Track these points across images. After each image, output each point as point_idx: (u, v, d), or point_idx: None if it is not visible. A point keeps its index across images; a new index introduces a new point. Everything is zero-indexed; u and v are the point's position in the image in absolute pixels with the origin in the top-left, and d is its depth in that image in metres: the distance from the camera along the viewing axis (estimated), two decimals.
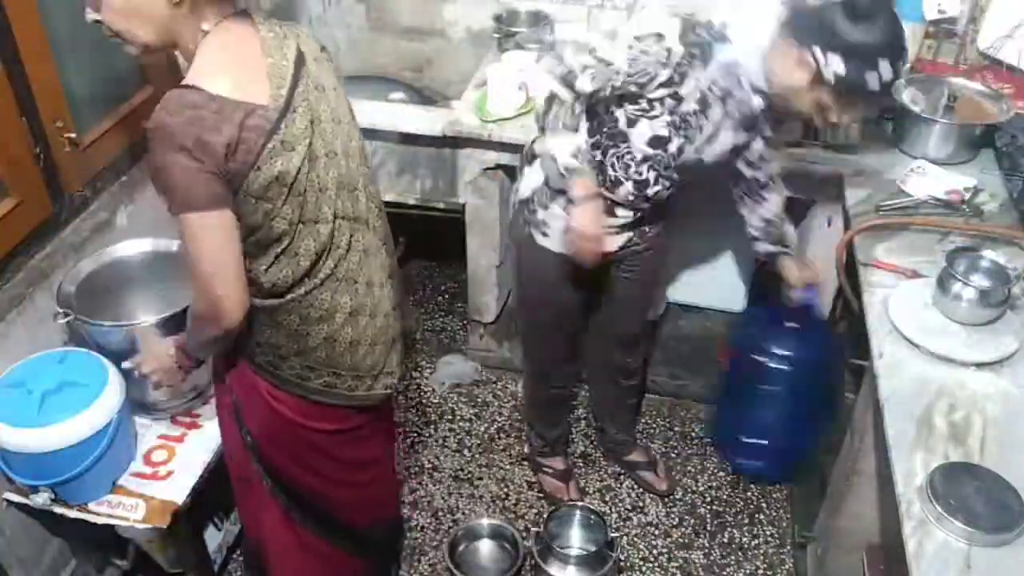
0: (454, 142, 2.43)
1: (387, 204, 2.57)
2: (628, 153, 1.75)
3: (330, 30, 3.05)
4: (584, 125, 1.73)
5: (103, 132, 2.07)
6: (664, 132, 1.69)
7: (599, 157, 1.78)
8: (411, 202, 2.61)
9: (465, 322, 2.94)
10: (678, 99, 1.65)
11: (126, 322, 1.82)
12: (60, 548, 1.99)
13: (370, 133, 2.44)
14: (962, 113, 2.24)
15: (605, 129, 1.76)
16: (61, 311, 1.78)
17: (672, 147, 1.71)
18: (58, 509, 1.76)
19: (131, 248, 1.99)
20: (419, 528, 2.38)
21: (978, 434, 1.45)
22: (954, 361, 1.58)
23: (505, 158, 2.42)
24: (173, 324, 1.76)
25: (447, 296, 3.20)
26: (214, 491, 1.91)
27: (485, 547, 2.30)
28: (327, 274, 1.45)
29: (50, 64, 1.85)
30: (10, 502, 1.79)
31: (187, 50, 1.34)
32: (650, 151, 1.72)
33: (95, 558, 2.07)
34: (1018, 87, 2.31)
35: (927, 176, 2.09)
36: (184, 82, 1.28)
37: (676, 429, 2.68)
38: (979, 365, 1.58)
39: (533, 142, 1.90)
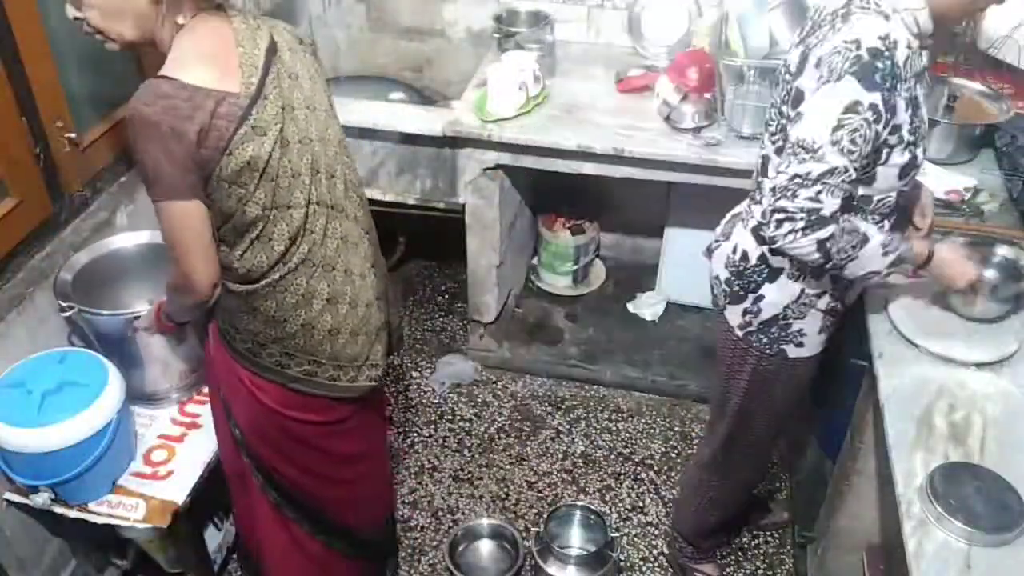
0: (454, 142, 2.43)
1: (387, 204, 2.61)
2: (884, 197, 1.56)
3: (330, 30, 3.05)
4: (868, 225, 1.54)
5: (103, 132, 2.07)
6: (906, 158, 1.50)
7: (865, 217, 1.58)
8: (411, 202, 2.61)
9: (465, 322, 2.94)
10: (898, 130, 1.46)
11: (126, 311, 1.82)
12: (60, 548, 1.99)
13: (370, 133, 2.45)
14: (962, 113, 2.24)
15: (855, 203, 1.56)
16: (65, 304, 1.79)
17: (919, 159, 1.53)
18: (58, 509, 1.76)
19: (127, 240, 2.00)
20: (419, 528, 2.38)
21: (978, 434, 1.45)
22: (954, 361, 1.58)
23: (505, 158, 2.42)
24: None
25: (447, 296, 3.20)
26: (214, 491, 1.91)
27: (485, 547, 2.30)
28: (301, 259, 1.47)
29: (50, 64, 1.85)
30: (10, 502, 1.79)
31: (163, 43, 1.39)
32: (901, 182, 1.53)
33: (95, 558, 2.07)
34: (1018, 87, 2.31)
35: (927, 176, 2.08)
36: (159, 73, 1.33)
37: (676, 429, 2.68)
38: (979, 365, 1.58)
39: (762, 261, 1.65)
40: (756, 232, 1.65)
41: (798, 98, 1.47)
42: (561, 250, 3.02)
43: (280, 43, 1.44)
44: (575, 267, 3.06)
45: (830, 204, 1.42)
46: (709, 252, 1.82)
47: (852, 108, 1.39)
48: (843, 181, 1.42)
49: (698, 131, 2.30)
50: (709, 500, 2.10)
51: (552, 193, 2.96)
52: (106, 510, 1.77)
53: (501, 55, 2.53)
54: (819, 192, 1.41)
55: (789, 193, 1.43)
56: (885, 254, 1.50)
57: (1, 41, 1.72)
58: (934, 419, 1.47)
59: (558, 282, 3.10)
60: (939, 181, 2.06)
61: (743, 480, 2.09)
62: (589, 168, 2.39)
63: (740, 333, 1.75)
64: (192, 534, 1.94)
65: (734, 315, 1.75)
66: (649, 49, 2.68)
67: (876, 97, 1.38)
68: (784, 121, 1.53)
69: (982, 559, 1.25)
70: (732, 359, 1.81)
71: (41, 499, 1.72)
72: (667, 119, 2.34)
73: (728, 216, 1.81)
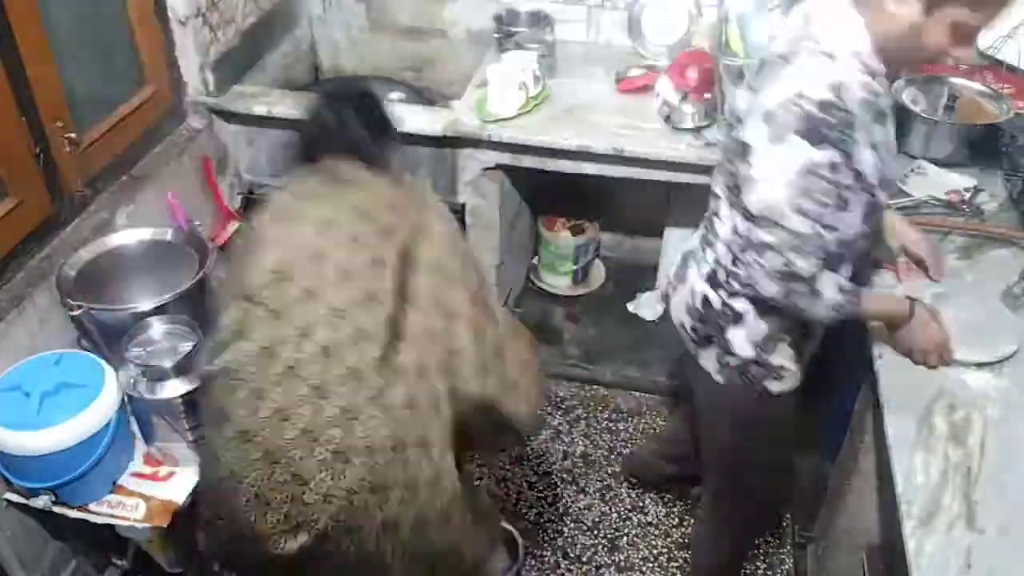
0: (454, 142, 2.43)
1: None
2: (850, 237, 1.45)
3: (330, 30, 3.05)
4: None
5: (103, 132, 2.07)
6: (865, 199, 1.42)
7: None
8: None
9: None
10: (860, 176, 1.38)
11: (131, 307, 1.83)
12: (60, 548, 1.99)
13: None
14: (962, 113, 2.24)
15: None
16: (74, 304, 1.79)
17: (882, 201, 1.48)
18: (58, 509, 1.76)
19: (128, 237, 2.02)
20: None
21: (978, 434, 1.44)
22: (954, 361, 1.58)
23: (505, 158, 2.42)
24: (169, 309, 1.83)
25: None
26: None
27: None
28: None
29: (50, 64, 1.85)
30: (10, 503, 1.79)
31: None
32: (864, 227, 1.46)
33: (95, 558, 2.07)
34: (1018, 87, 2.30)
35: (927, 176, 2.08)
36: None
37: None
38: (979, 365, 1.58)
39: (725, 304, 1.60)
40: (712, 279, 1.61)
41: (745, 152, 1.40)
42: (561, 250, 3.02)
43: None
44: (575, 267, 3.06)
45: (805, 265, 1.39)
46: (666, 298, 1.78)
47: (807, 169, 1.32)
48: (814, 243, 1.37)
49: (698, 131, 2.30)
50: (718, 562, 2.06)
51: (552, 193, 2.96)
52: (106, 510, 1.77)
53: (501, 55, 2.53)
54: (793, 257, 1.38)
55: (764, 260, 1.41)
56: (835, 309, 1.45)
57: (1, 41, 1.72)
58: (934, 419, 1.47)
59: (558, 282, 3.10)
60: (939, 181, 2.06)
61: (748, 531, 2.01)
62: (589, 168, 2.39)
63: (719, 378, 1.68)
64: (192, 534, 1.94)
65: (708, 360, 1.68)
66: (649, 49, 2.68)
67: (830, 154, 1.31)
68: (733, 168, 1.47)
69: (982, 558, 1.25)
70: (715, 404, 1.76)
71: (42, 501, 1.72)
72: (667, 119, 2.34)
73: (680, 257, 1.75)
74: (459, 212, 2.59)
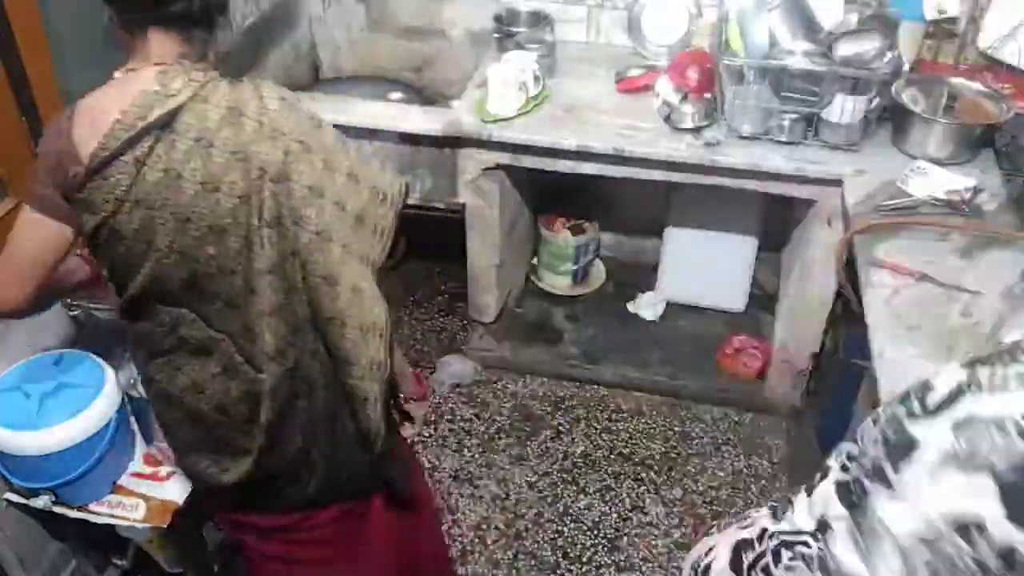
0: (454, 142, 2.43)
1: None
2: None
3: (330, 30, 3.05)
4: None
5: None
6: None
7: None
8: (411, 202, 2.60)
9: (465, 322, 2.94)
10: None
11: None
12: (60, 548, 1.99)
13: (370, 133, 2.44)
14: (962, 113, 2.24)
15: None
16: (74, 303, 1.80)
17: None
18: (58, 509, 1.76)
19: None
20: None
21: None
22: (954, 361, 1.58)
23: (505, 158, 2.42)
24: None
25: (447, 296, 3.20)
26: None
27: None
28: None
29: (50, 64, 1.86)
30: (10, 503, 1.79)
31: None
32: None
33: (95, 558, 2.07)
34: (1018, 87, 2.31)
35: (927, 176, 2.08)
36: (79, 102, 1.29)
37: (676, 429, 2.68)
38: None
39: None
40: None
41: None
42: (561, 250, 3.02)
43: (190, 122, 1.31)
44: (575, 267, 3.06)
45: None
46: None
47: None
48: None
49: (698, 131, 2.30)
50: None
51: (552, 193, 2.96)
52: (106, 510, 1.77)
53: (501, 55, 2.53)
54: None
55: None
56: None
57: (1, 41, 1.72)
58: None
59: (558, 282, 3.10)
60: (939, 181, 2.06)
61: None
62: (589, 168, 2.39)
63: None
64: (192, 534, 1.94)
65: None
66: (649, 49, 2.68)
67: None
68: None
69: None
70: None
71: (42, 501, 1.72)
72: (667, 119, 2.34)
73: None
74: (459, 212, 2.59)
